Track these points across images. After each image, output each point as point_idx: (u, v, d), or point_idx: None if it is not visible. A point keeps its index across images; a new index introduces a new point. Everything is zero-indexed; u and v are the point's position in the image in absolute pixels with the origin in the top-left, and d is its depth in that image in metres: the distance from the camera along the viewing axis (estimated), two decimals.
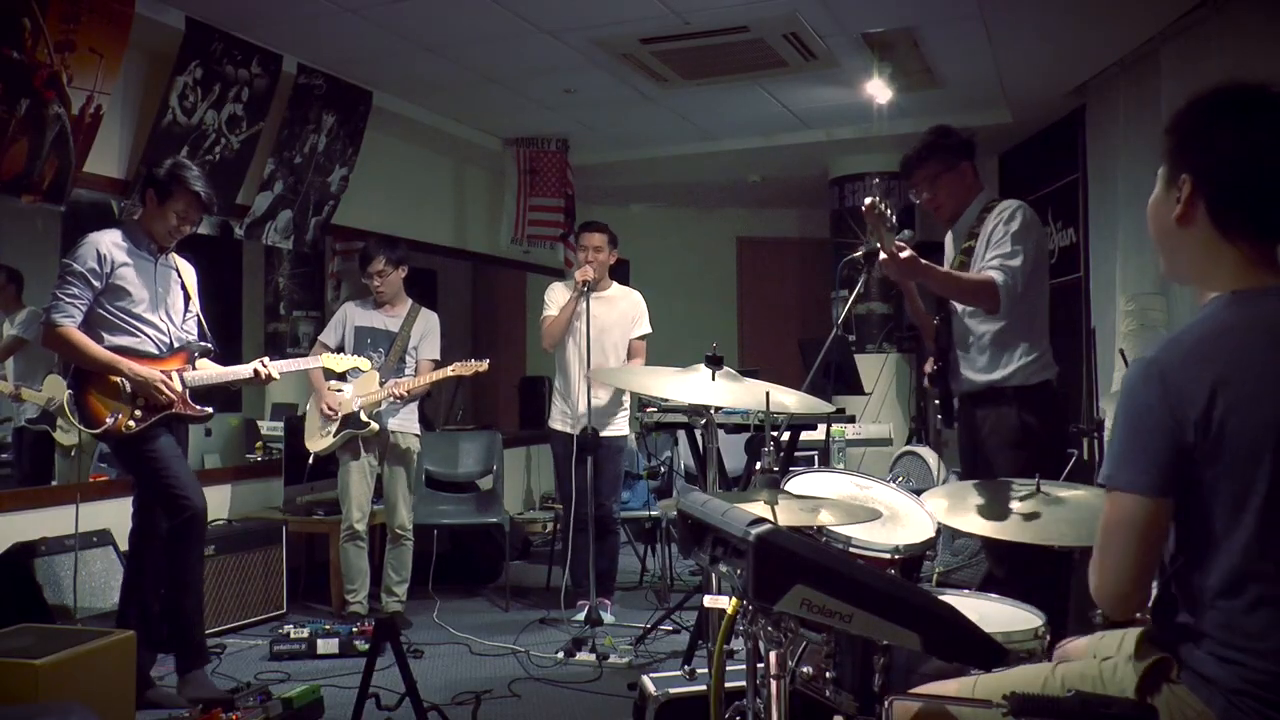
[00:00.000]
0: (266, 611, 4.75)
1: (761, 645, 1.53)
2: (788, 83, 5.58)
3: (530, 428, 7.14)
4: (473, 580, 5.65)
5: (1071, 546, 2.26)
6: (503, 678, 3.96)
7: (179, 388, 3.54)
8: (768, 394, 2.40)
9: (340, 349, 4.68)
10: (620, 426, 4.86)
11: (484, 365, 4.68)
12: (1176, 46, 4.67)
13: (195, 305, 3.78)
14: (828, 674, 2.09)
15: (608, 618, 4.66)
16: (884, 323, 7.12)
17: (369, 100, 5.49)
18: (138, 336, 3.52)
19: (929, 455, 6.16)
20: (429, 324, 4.84)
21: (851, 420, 5.34)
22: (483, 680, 3.93)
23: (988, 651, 1.46)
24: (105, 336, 3.47)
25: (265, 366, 3.73)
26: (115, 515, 4.08)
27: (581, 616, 4.54)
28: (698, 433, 4.27)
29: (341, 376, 4.67)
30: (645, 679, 2.89)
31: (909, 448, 6.47)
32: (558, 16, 4.58)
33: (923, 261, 2.98)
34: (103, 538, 4.19)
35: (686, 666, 3.43)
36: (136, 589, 3.60)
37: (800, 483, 2.90)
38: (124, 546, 3.86)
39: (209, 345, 3.75)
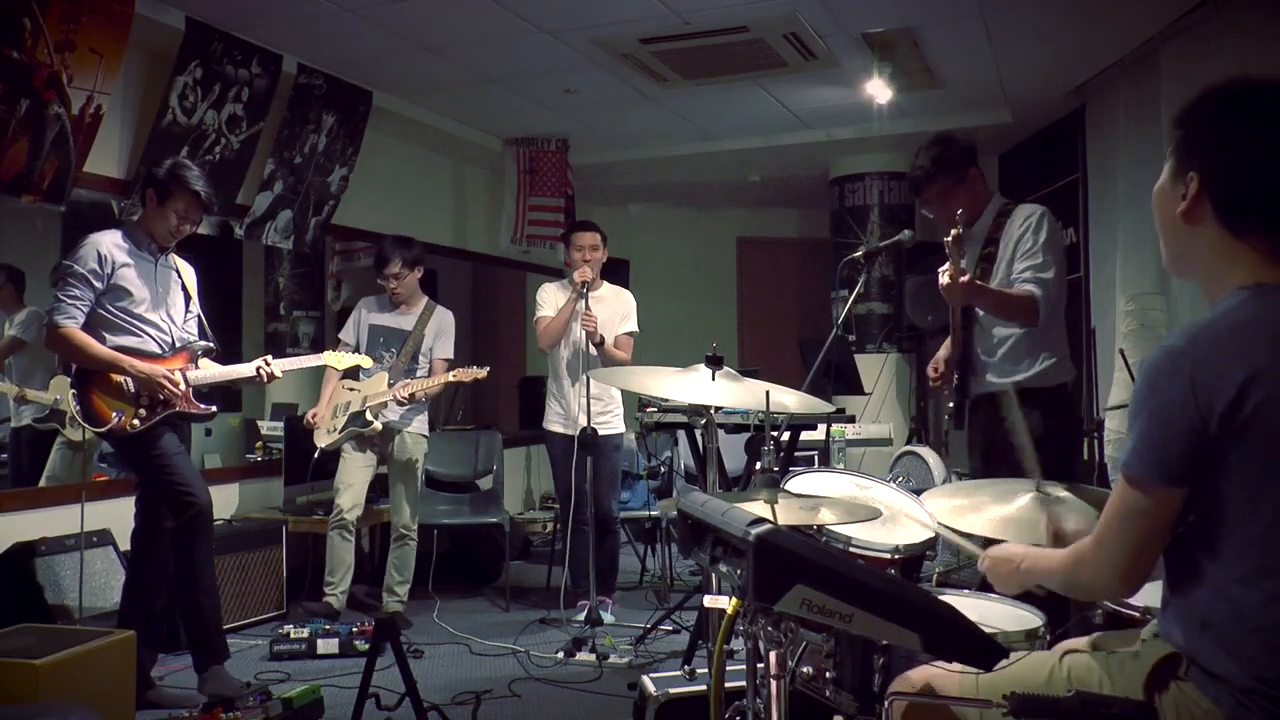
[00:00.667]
0: (266, 611, 4.75)
1: (761, 645, 1.53)
2: (788, 83, 5.58)
3: (530, 428, 7.13)
4: (473, 580, 5.65)
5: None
6: (503, 678, 3.96)
7: (183, 385, 3.54)
8: (768, 394, 2.40)
9: (358, 348, 4.75)
10: (615, 425, 4.86)
11: (483, 373, 4.63)
12: (1176, 46, 4.67)
13: (196, 305, 3.78)
14: (828, 674, 2.09)
15: (608, 617, 4.65)
16: (884, 323, 7.12)
17: (369, 100, 5.49)
18: (139, 336, 3.53)
19: (929, 455, 6.16)
20: (443, 323, 4.84)
21: (851, 420, 5.34)
22: (483, 680, 3.93)
23: (988, 651, 1.46)
24: (107, 337, 3.47)
25: (268, 365, 3.72)
26: (116, 515, 4.09)
27: (581, 616, 4.54)
28: (698, 433, 4.27)
29: (354, 375, 4.69)
30: (645, 679, 2.89)
31: (909, 448, 6.48)
32: (558, 16, 4.58)
33: (978, 283, 3.06)
34: (103, 538, 4.19)
35: (686, 666, 3.43)
36: (139, 588, 3.59)
37: (800, 483, 2.90)
38: (124, 546, 3.86)
39: (211, 345, 3.75)
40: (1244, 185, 1.48)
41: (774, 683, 1.54)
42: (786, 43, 4.90)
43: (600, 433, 4.63)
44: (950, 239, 2.95)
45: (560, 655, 4.21)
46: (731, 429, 4.29)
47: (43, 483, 4.52)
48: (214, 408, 3.69)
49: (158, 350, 3.57)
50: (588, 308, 4.62)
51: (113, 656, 2.95)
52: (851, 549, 2.53)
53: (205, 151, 4.68)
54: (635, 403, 4.57)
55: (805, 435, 4.96)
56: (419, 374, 4.74)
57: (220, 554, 4.53)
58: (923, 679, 1.74)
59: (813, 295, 8.17)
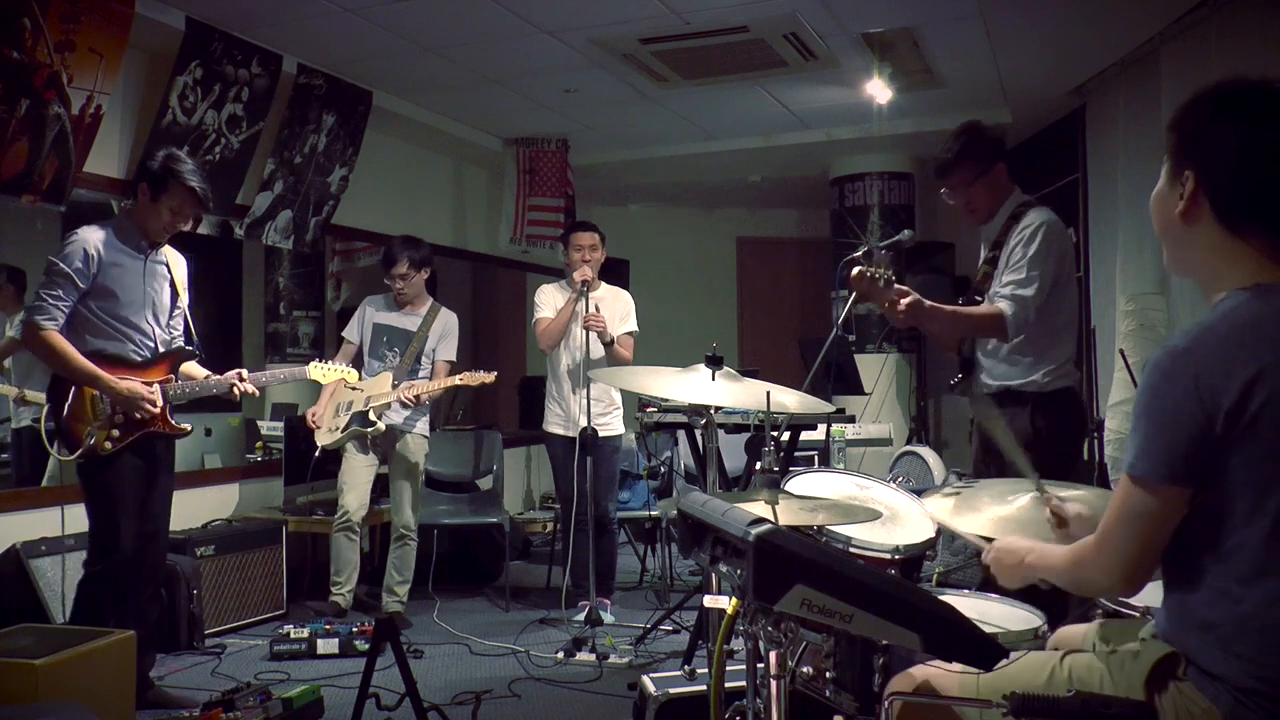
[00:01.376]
0: (266, 611, 4.75)
1: (761, 645, 1.53)
2: (788, 83, 5.58)
3: (530, 428, 7.13)
4: (473, 580, 5.65)
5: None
6: (503, 678, 3.96)
7: (160, 401, 3.42)
8: (768, 394, 2.40)
9: (359, 346, 4.78)
10: (615, 426, 4.86)
11: (491, 377, 4.61)
12: (1176, 46, 4.67)
13: (184, 300, 3.65)
14: (828, 674, 2.09)
15: (608, 618, 4.65)
16: (884, 323, 7.10)
17: (369, 100, 5.49)
18: (122, 342, 3.41)
19: (929, 455, 6.17)
20: (448, 325, 4.84)
21: (851, 420, 5.34)
22: (483, 680, 3.93)
23: (988, 651, 1.46)
24: (89, 340, 3.36)
25: (243, 381, 3.58)
26: None
27: (581, 616, 4.54)
28: (698, 433, 4.27)
29: (359, 368, 4.70)
30: (645, 679, 2.89)
31: (909, 448, 6.48)
32: (558, 16, 4.58)
33: (926, 305, 2.99)
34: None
35: (686, 666, 3.43)
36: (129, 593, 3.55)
37: (800, 483, 2.90)
38: None
39: (194, 349, 3.65)
40: (1242, 184, 1.48)
41: (774, 683, 1.54)
42: (786, 43, 4.90)
43: (600, 434, 4.63)
44: (853, 277, 2.87)
45: (560, 655, 4.21)
46: (731, 429, 4.29)
47: (44, 483, 4.52)
48: (189, 427, 3.60)
49: (139, 357, 3.46)
50: (590, 308, 4.61)
51: (113, 656, 2.95)
52: (851, 549, 2.53)
53: (205, 151, 4.68)
54: (635, 403, 4.56)
55: (805, 435, 4.96)
56: (421, 375, 4.74)
57: (220, 554, 4.55)
58: (922, 677, 1.74)
59: (813, 295, 8.17)
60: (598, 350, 4.69)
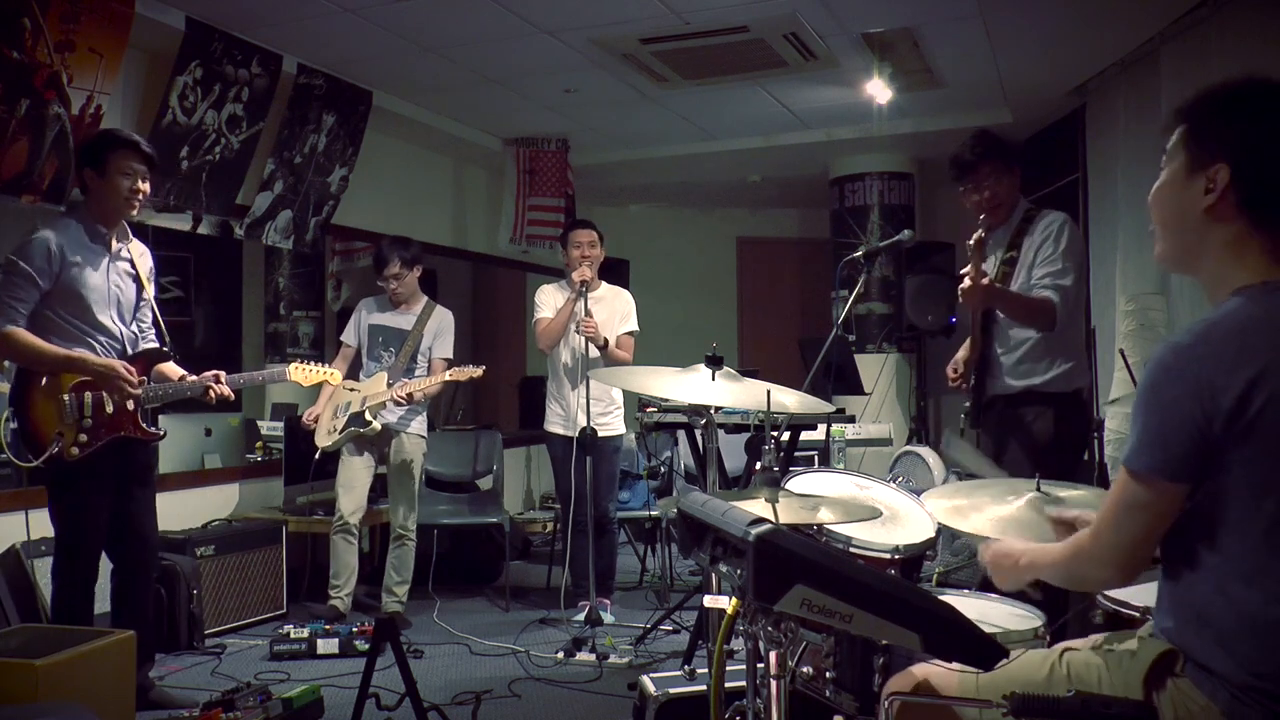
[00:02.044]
0: (266, 611, 4.76)
1: (761, 645, 1.53)
2: (788, 83, 5.58)
3: (530, 427, 7.14)
4: (473, 580, 5.65)
5: None
6: (503, 678, 3.96)
7: (139, 392, 3.33)
8: (768, 394, 2.40)
9: (357, 348, 4.79)
10: (615, 426, 4.86)
11: (478, 371, 4.63)
12: (1176, 46, 4.67)
13: (150, 292, 3.54)
14: (828, 674, 2.09)
15: (608, 618, 4.65)
16: (884, 323, 7.12)
17: (369, 100, 5.49)
18: (90, 345, 3.31)
19: (929, 455, 6.16)
20: (442, 322, 4.84)
21: (851, 420, 5.34)
22: (483, 680, 3.93)
23: (988, 651, 1.46)
24: (55, 343, 3.25)
25: (219, 385, 3.48)
26: None
27: (581, 616, 4.54)
28: (698, 433, 4.27)
29: (353, 375, 4.70)
30: (645, 679, 2.89)
31: (909, 448, 6.47)
32: (558, 16, 4.58)
33: (998, 287, 3.12)
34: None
35: (686, 666, 3.43)
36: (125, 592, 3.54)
37: (800, 482, 2.90)
38: None
39: (167, 349, 3.55)
40: (1276, 175, 1.47)
41: (774, 683, 1.54)
42: (786, 43, 4.90)
43: (600, 434, 4.63)
44: (973, 242, 3.03)
45: (560, 655, 4.21)
46: (731, 429, 4.29)
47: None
48: (163, 432, 3.51)
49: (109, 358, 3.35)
50: (587, 311, 4.61)
51: (113, 656, 2.95)
52: (851, 549, 2.53)
53: (205, 151, 4.68)
54: (635, 403, 4.56)
55: (805, 435, 4.95)
56: (418, 374, 4.74)
57: (220, 554, 4.55)
58: (922, 675, 1.74)
59: (813, 295, 8.17)
60: (592, 350, 4.69)
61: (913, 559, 2.62)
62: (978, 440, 3.43)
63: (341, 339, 4.90)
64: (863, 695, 2.03)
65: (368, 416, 4.58)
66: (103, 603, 3.99)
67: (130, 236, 3.49)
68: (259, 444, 5.72)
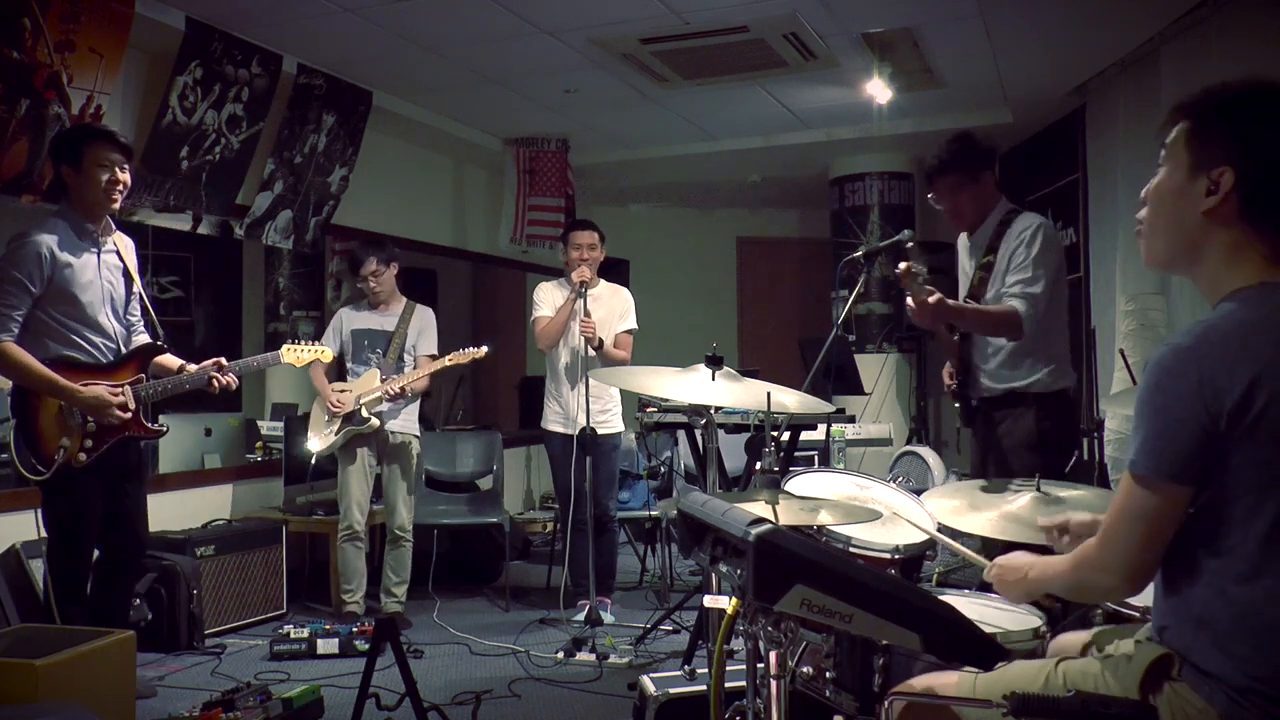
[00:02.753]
0: (266, 611, 4.76)
1: (761, 645, 1.53)
2: (788, 83, 5.58)
3: (530, 427, 7.15)
4: (473, 580, 5.65)
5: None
6: (503, 678, 3.96)
7: (132, 404, 3.30)
8: (768, 394, 2.40)
9: (341, 356, 4.72)
10: (614, 424, 4.85)
11: (482, 352, 4.64)
12: (1176, 46, 4.67)
13: (138, 284, 3.50)
14: (828, 674, 2.09)
15: (608, 617, 4.65)
16: (884, 323, 7.12)
17: (369, 100, 5.49)
18: (85, 346, 3.29)
19: (929, 455, 6.17)
20: (425, 320, 4.84)
21: (851, 420, 5.34)
22: (483, 680, 3.93)
23: (988, 651, 1.46)
24: (50, 345, 3.23)
25: (224, 374, 3.44)
26: None
27: (581, 616, 4.54)
28: (698, 433, 4.27)
29: (342, 376, 4.68)
30: (645, 679, 2.89)
31: (909, 448, 6.48)
32: (558, 16, 4.58)
33: (949, 304, 3.07)
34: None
35: (686, 666, 3.43)
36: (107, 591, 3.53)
37: (800, 483, 2.90)
38: None
39: (160, 343, 3.50)
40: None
41: (774, 683, 1.54)
42: (786, 43, 4.90)
43: (599, 432, 4.63)
44: (901, 271, 2.97)
45: (560, 655, 4.21)
46: (731, 429, 4.29)
47: None
48: (165, 428, 3.49)
49: (104, 359, 3.34)
50: (586, 312, 4.61)
51: (113, 656, 2.95)
52: (851, 549, 2.53)
53: (205, 151, 4.68)
54: (635, 403, 4.56)
55: (805, 435, 4.95)
56: (405, 372, 4.74)
57: (220, 554, 4.55)
58: (921, 687, 1.74)
59: (813, 295, 8.17)
60: (591, 349, 4.69)
61: (913, 559, 2.63)
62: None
63: (319, 345, 4.84)
64: (863, 695, 2.03)
65: (364, 414, 4.58)
66: None
67: (114, 230, 3.45)
68: (259, 444, 5.72)
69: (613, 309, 4.84)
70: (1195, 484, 1.44)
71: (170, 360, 3.49)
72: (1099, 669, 1.60)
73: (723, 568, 1.54)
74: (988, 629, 1.51)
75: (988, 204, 3.35)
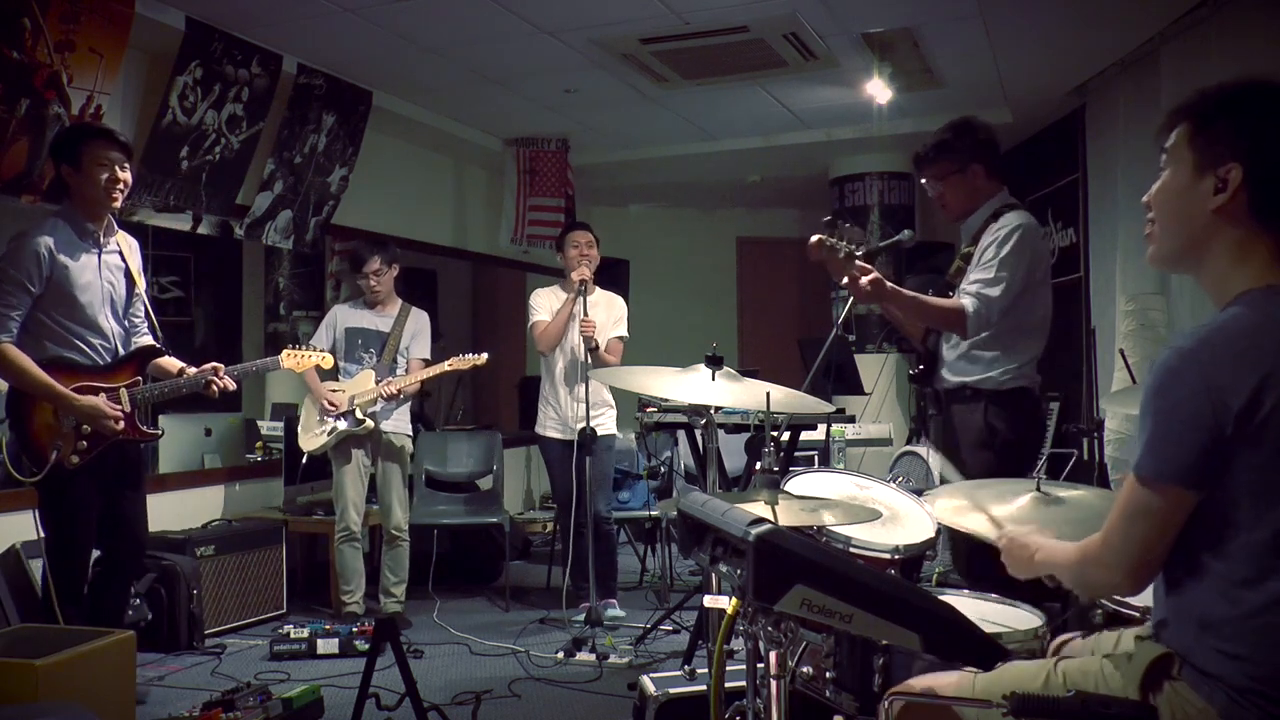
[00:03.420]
0: (266, 611, 4.76)
1: (761, 645, 1.53)
2: (788, 83, 5.58)
3: (530, 427, 7.15)
4: (473, 580, 5.65)
5: None
6: (503, 678, 3.96)
7: (127, 408, 3.28)
8: (768, 394, 2.40)
9: (332, 353, 4.67)
10: (608, 426, 4.85)
11: (482, 359, 4.65)
12: (1176, 46, 4.67)
13: (141, 286, 3.48)
14: (828, 674, 2.09)
15: (618, 613, 4.65)
16: (884, 323, 7.09)
17: (369, 100, 5.49)
18: (82, 348, 3.27)
19: (929, 455, 6.16)
20: (419, 323, 4.84)
21: (851, 420, 5.34)
22: (483, 680, 3.93)
23: (988, 651, 1.46)
24: (48, 346, 3.21)
25: (220, 378, 3.41)
26: None
27: (582, 616, 4.54)
28: (698, 433, 4.27)
29: (334, 375, 4.66)
30: (645, 679, 2.89)
31: (909, 448, 6.47)
32: (558, 16, 4.58)
33: (888, 286, 3.01)
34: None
35: (686, 666, 3.43)
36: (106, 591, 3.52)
37: (800, 483, 2.90)
38: None
39: (158, 345, 3.49)
40: None
41: (774, 683, 1.54)
42: (786, 43, 4.90)
43: (598, 434, 4.62)
44: (811, 244, 2.95)
45: (560, 655, 4.21)
46: (731, 429, 4.29)
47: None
48: (160, 431, 3.49)
49: (102, 361, 3.31)
50: (585, 312, 4.61)
51: (113, 656, 2.95)
52: (851, 549, 2.53)
53: (205, 151, 4.68)
54: (635, 403, 4.56)
55: (805, 435, 4.95)
56: (398, 374, 4.73)
57: (220, 554, 4.56)
58: (923, 686, 1.74)
59: (813, 295, 8.16)
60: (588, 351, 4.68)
61: (913, 559, 2.62)
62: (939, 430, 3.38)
63: (312, 344, 4.76)
64: (863, 695, 2.03)
65: (359, 414, 4.58)
66: None
67: (117, 230, 3.43)
68: (259, 444, 5.72)
69: (608, 315, 4.84)
70: (1199, 486, 1.43)
71: (170, 363, 3.48)
72: (1099, 668, 1.60)
73: (723, 568, 1.54)
74: (988, 629, 1.51)
75: (976, 196, 3.25)
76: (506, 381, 7.77)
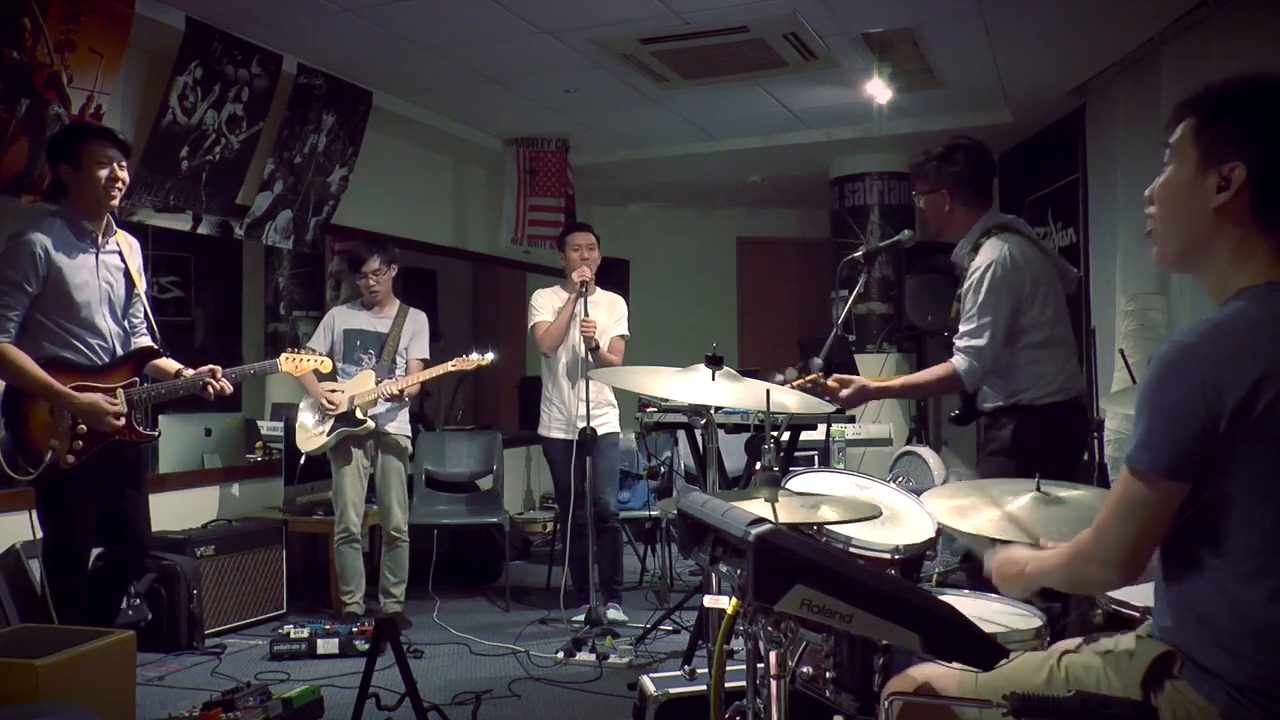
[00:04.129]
0: (266, 611, 4.76)
1: (761, 645, 1.53)
2: (788, 83, 5.58)
3: (530, 427, 7.14)
4: (473, 580, 5.65)
5: None
6: (503, 678, 3.97)
7: (124, 408, 3.26)
8: (768, 394, 2.40)
9: (330, 355, 4.66)
10: (611, 424, 4.85)
11: (487, 360, 4.64)
12: (1176, 46, 4.67)
13: (141, 286, 3.46)
14: (828, 674, 2.09)
15: (618, 615, 4.64)
16: (884, 323, 7.12)
17: (369, 100, 5.49)
18: (80, 348, 3.26)
19: (929, 455, 6.16)
20: (418, 324, 4.84)
21: (851, 420, 5.34)
22: (483, 680, 3.93)
23: (988, 651, 1.46)
24: (45, 346, 3.19)
25: (216, 380, 3.39)
26: None
27: (582, 617, 4.54)
28: (698, 433, 4.27)
29: (332, 377, 4.65)
30: (645, 679, 2.89)
31: (909, 448, 6.47)
32: (558, 16, 4.58)
33: (873, 387, 3.05)
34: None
35: (686, 666, 3.43)
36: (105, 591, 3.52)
37: (800, 483, 2.90)
38: None
39: (156, 346, 3.48)
40: None
41: (774, 683, 1.54)
42: (786, 43, 4.90)
43: (601, 432, 4.62)
44: (794, 386, 2.96)
45: (560, 655, 4.21)
46: (731, 429, 4.29)
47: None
48: (157, 433, 3.48)
49: (100, 361, 3.30)
50: (586, 312, 4.61)
51: (113, 656, 2.95)
52: (851, 549, 2.53)
53: (205, 151, 4.68)
54: (635, 403, 4.56)
55: (805, 435, 4.95)
56: (397, 375, 4.73)
57: (220, 554, 4.56)
58: (921, 678, 1.74)
59: (813, 295, 8.17)
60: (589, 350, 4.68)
61: (913, 559, 2.62)
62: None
63: (309, 346, 4.75)
64: (863, 695, 2.03)
65: (359, 415, 4.58)
66: None
67: (116, 230, 3.41)
68: (259, 444, 5.72)
69: (609, 315, 4.84)
70: (1192, 482, 1.43)
71: (168, 364, 3.46)
72: (1101, 665, 1.60)
73: (723, 568, 1.54)
74: (988, 628, 1.51)
75: (952, 221, 3.23)
76: (506, 381, 7.77)
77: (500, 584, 5.39)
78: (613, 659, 4.13)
